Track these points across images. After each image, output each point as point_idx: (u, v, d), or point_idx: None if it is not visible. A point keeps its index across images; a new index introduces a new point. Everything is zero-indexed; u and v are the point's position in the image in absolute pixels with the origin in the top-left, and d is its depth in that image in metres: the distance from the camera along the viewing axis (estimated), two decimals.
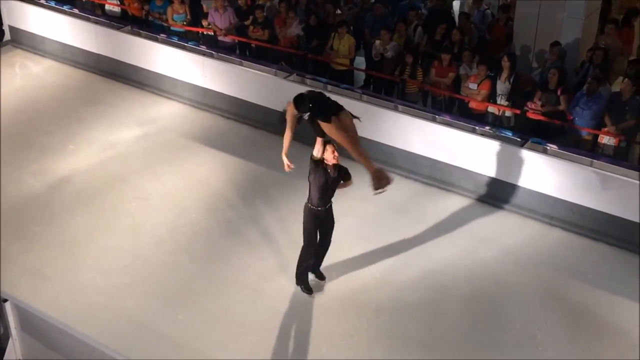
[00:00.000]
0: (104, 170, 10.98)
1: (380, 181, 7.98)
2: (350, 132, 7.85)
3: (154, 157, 11.33)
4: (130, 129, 12.05)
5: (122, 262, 9.26)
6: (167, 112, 12.63)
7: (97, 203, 10.30)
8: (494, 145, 10.13)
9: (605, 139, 10.32)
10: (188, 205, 10.29)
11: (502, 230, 9.85)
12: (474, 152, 10.31)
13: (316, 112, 7.75)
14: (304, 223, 8.35)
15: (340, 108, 7.88)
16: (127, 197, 10.42)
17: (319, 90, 8.28)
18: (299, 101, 7.81)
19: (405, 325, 8.33)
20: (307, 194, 8.29)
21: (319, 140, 8.02)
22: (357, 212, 9.90)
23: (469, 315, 8.53)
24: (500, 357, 7.97)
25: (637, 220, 9.33)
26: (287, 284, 8.85)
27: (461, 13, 12.82)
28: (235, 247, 9.53)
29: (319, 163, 8.08)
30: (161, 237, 9.69)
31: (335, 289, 8.77)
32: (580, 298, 8.78)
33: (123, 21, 13.68)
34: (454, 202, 10.39)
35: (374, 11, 13.13)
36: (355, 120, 7.96)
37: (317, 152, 8.06)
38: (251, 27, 13.06)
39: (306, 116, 7.77)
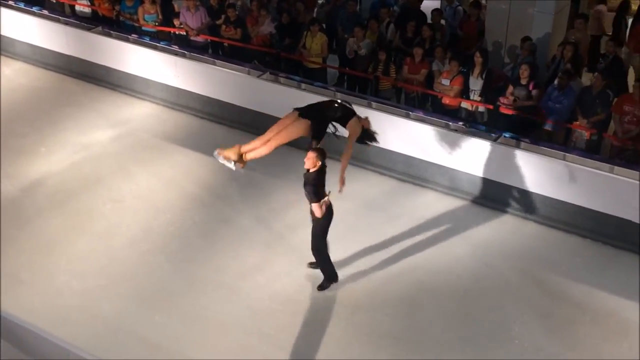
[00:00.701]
0: (77, 172, 10.90)
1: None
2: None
3: (127, 158, 11.26)
4: (103, 130, 11.97)
5: (97, 264, 9.20)
6: (140, 112, 12.56)
7: (71, 205, 10.22)
8: (467, 141, 10.20)
9: (578, 133, 10.42)
10: (163, 205, 10.25)
11: (476, 225, 9.91)
12: (448, 148, 10.36)
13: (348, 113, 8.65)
14: (324, 225, 8.45)
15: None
16: (102, 199, 10.36)
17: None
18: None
19: (381, 322, 8.36)
20: (300, 199, 8.66)
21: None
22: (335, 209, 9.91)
23: (445, 310, 8.58)
24: (477, 351, 8.03)
25: (609, 212, 9.44)
26: (265, 283, 8.85)
27: (433, 9, 12.88)
28: (211, 246, 9.51)
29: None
30: (136, 238, 9.64)
31: (312, 287, 8.78)
32: (554, 290, 8.87)
33: (93, 22, 13.57)
34: (429, 198, 10.44)
35: (347, 9, 13.14)
36: None
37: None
38: (223, 26, 13.01)
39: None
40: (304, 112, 8.41)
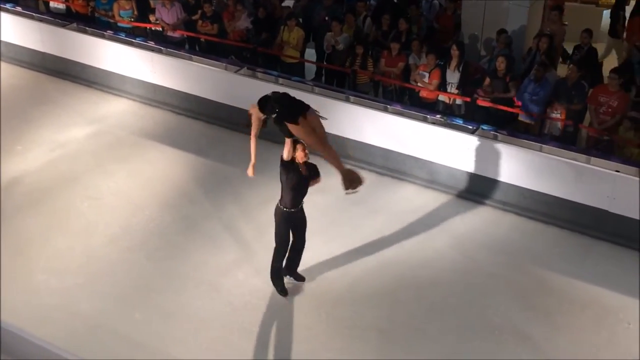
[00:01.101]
0: (54, 170, 10.81)
1: (352, 182, 7.91)
2: (318, 131, 7.78)
3: (105, 156, 11.18)
4: (80, 128, 11.88)
5: (75, 262, 9.14)
6: (117, 109, 12.48)
7: (49, 203, 10.14)
8: (445, 134, 10.24)
9: (551, 125, 10.49)
10: (141, 202, 10.19)
11: (455, 217, 9.96)
12: (426, 141, 10.40)
13: (282, 113, 7.66)
14: (277, 226, 8.25)
15: (306, 107, 7.76)
16: (79, 197, 10.28)
17: (283, 91, 8.08)
18: (264, 103, 7.74)
19: (363, 315, 8.37)
20: (279, 195, 8.24)
21: (287, 141, 7.92)
22: (312, 204, 9.86)
23: (425, 302, 8.61)
24: (458, 342, 8.08)
25: (586, 203, 9.52)
26: (245, 279, 8.84)
27: (410, 3, 12.90)
28: (190, 243, 9.47)
29: (290, 164, 7.99)
30: (115, 235, 9.59)
31: (293, 281, 8.77)
32: (533, 280, 8.94)
33: (68, 18, 13.46)
34: (407, 191, 10.47)
35: (324, 3, 13.13)
36: (322, 120, 7.88)
37: (287, 153, 7.97)
38: (200, 22, 12.96)
39: (272, 118, 7.65)
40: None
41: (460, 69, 11.16)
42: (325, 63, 12.51)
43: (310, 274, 8.86)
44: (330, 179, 10.50)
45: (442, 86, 11.27)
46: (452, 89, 11.22)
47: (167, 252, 9.33)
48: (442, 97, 11.30)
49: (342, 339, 8.11)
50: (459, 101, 11.22)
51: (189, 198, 10.30)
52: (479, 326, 8.29)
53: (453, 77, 11.19)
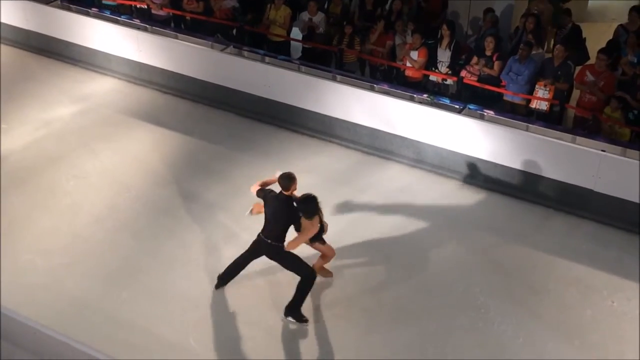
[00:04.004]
0: (39, 149, 10.74)
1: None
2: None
3: (90, 135, 11.11)
4: (65, 106, 11.79)
5: (61, 242, 9.10)
6: (102, 88, 12.39)
7: (34, 183, 10.08)
8: (432, 113, 10.24)
9: (537, 103, 10.50)
10: (127, 182, 10.15)
11: (442, 196, 9.99)
12: (413, 120, 10.40)
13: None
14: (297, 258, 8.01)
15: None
16: (65, 176, 10.23)
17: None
18: (312, 205, 7.81)
19: (349, 294, 8.40)
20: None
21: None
22: (299, 183, 9.89)
23: (411, 281, 8.65)
24: (444, 320, 8.13)
25: (572, 182, 9.57)
26: (231, 258, 8.80)
27: None
28: (177, 222, 9.45)
29: None
30: (101, 215, 9.55)
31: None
32: (519, 259, 8.99)
33: None
34: (394, 171, 10.48)
35: None
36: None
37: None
38: (185, 0, 12.85)
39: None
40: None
41: (452, 47, 11.14)
42: (311, 42, 12.44)
43: (297, 253, 8.85)
44: (316, 157, 10.54)
45: (432, 65, 11.24)
46: (442, 67, 11.21)
47: (153, 232, 9.31)
48: (433, 77, 11.29)
49: (327, 317, 8.14)
50: (449, 81, 11.21)
51: (175, 177, 10.27)
52: (465, 304, 8.34)
53: (444, 55, 11.17)
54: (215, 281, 8.41)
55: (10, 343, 7.01)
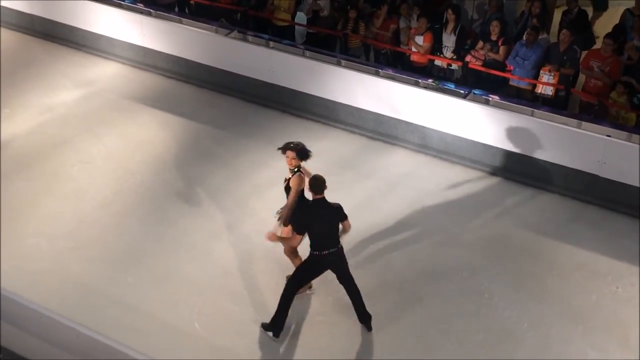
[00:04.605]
0: (43, 134, 10.74)
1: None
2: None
3: (94, 119, 11.11)
4: (69, 91, 11.78)
5: (66, 227, 9.12)
6: (106, 72, 12.37)
7: (38, 168, 10.08)
8: (437, 98, 10.21)
9: (542, 88, 10.47)
10: (132, 167, 10.15)
11: (446, 182, 9.97)
12: (418, 105, 10.37)
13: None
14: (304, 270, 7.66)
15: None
16: (69, 161, 10.23)
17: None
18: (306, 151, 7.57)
19: (354, 278, 8.39)
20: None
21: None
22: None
23: (415, 266, 8.65)
24: (448, 304, 8.14)
25: (577, 167, 9.55)
26: (236, 243, 8.85)
27: None
28: (182, 207, 9.46)
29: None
30: (106, 200, 9.56)
31: (282, 246, 8.77)
32: (523, 244, 8.98)
33: None
34: (399, 156, 10.47)
35: None
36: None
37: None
38: None
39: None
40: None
41: (457, 32, 11.08)
42: (316, 26, 12.40)
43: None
44: (321, 143, 10.52)
45: (437, 50, 11.20)
46: (447, 52, 11.16)
47: (158, 217, 9.32)
48: (438, 62, 11.24)
49: (330, 301, 8.15)
50: (454, 65, 11.16)
51: (180, 162, 10.27)
52: (468, 290, 8.35)
53: (449, 40, 11.12)
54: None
55: (15, 327, 7.04)
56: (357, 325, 7.83)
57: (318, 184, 7.35)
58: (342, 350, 7.64)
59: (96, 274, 8.47)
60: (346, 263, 7.64)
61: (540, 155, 9.74)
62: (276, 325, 7.62)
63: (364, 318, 7.75)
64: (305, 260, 7.65)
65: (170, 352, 7.43)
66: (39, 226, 9.10)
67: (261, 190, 9.63)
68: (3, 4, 13.43)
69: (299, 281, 7.67)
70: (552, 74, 10.33)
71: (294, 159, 7.61)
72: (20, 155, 10.28)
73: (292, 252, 8.01)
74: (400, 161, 10.37)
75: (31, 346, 7.03)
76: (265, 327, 7.72)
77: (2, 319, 7.04)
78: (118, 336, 6.80)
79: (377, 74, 10.65)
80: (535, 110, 9.85)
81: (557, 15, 12.42)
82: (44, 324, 6.78)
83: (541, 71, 10.43)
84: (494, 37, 10.78)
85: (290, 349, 7.65)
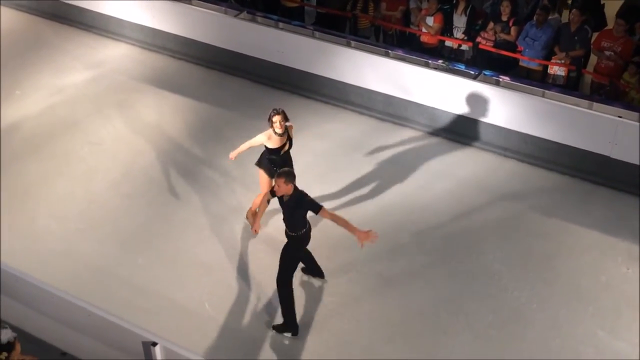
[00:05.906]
0: (53, 116, 10.76)
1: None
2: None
3: (104, 101, 11.12)
4: (79, 72, 11.79)
5: (77, 207, 9.16)
6: (116, 54, 12.36)
7: (49, 149, 10.12)
8: (447, 79, 10.15)
9: (555, 69, 10.40)
10: (142, 148, 10.17)
11: (456, 163, 9.95)
12: (428, 87, 10.33)
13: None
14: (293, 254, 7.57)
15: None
16: (79, 142, 10.26)
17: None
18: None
19: (362, 260, 8.41)
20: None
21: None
22: (312, 149, 9.91)
23: (425, 247, 8.65)
24: (458, 287, 8.15)
25: (588, 149, 9.50)
26: (245, 224, 8.87)
27: None
28: (191, 189, 9.48)
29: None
30: (116, 181, 9.59)
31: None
32: (533, 226, 8.96)
33: None
34: (408, 137, 10.43)
35: None
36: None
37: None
38: None
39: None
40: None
41: (467, 12, 11.01)
42: (326, 7, 12.34)
43: (310, 219, 8.87)
44: (330, 124, 10.50)
45: (447, 31, 11.13)
46: (458, 33, 11.09)
47: (168, 198, 9.34)
48: (448, 43, 11.18)
49: (341, 283, 8.18)
50: (464, 46, 11.09)
51: (190, 144, 10.28)
52: (478, 271, 8.35)
53: (460, 21, 11.04)
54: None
55: (27, 306, 7.09)
56: (364, 307, 7.85)
57: (289, 179, 7.22)
58: (347, 331, 7.67)
59: (106, 254, 8.52)
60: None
61: (550, 136, 9.69)
62: (290, 325, 7.61)
63: (320, 272, 8.17)
64: (284, 247, 7.52)
65: (179, 332, 7.47)
66: (50, 207, 9.15)
67: None
68: None
69: (286, 270, 7.46)
70: (563, 61, 10.28)
71: (281, 121, 8.11)
72: (31, 137, 10.32)
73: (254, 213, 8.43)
74: (409, 142, 10.33)
75: (42, 326, 7.08)
76: (278, 329, 7.66)
77: (14, 299, 7.09)
78: (128, 316, 6.83)
79: (387, 55, 10.60)
80: (546, 91, 9.78)
81: None
82: (55, 303, 6.82)
83: (553, 58, 10.35)
84: (504, 18, 10.71)
85: (300, 329, 7.68)
